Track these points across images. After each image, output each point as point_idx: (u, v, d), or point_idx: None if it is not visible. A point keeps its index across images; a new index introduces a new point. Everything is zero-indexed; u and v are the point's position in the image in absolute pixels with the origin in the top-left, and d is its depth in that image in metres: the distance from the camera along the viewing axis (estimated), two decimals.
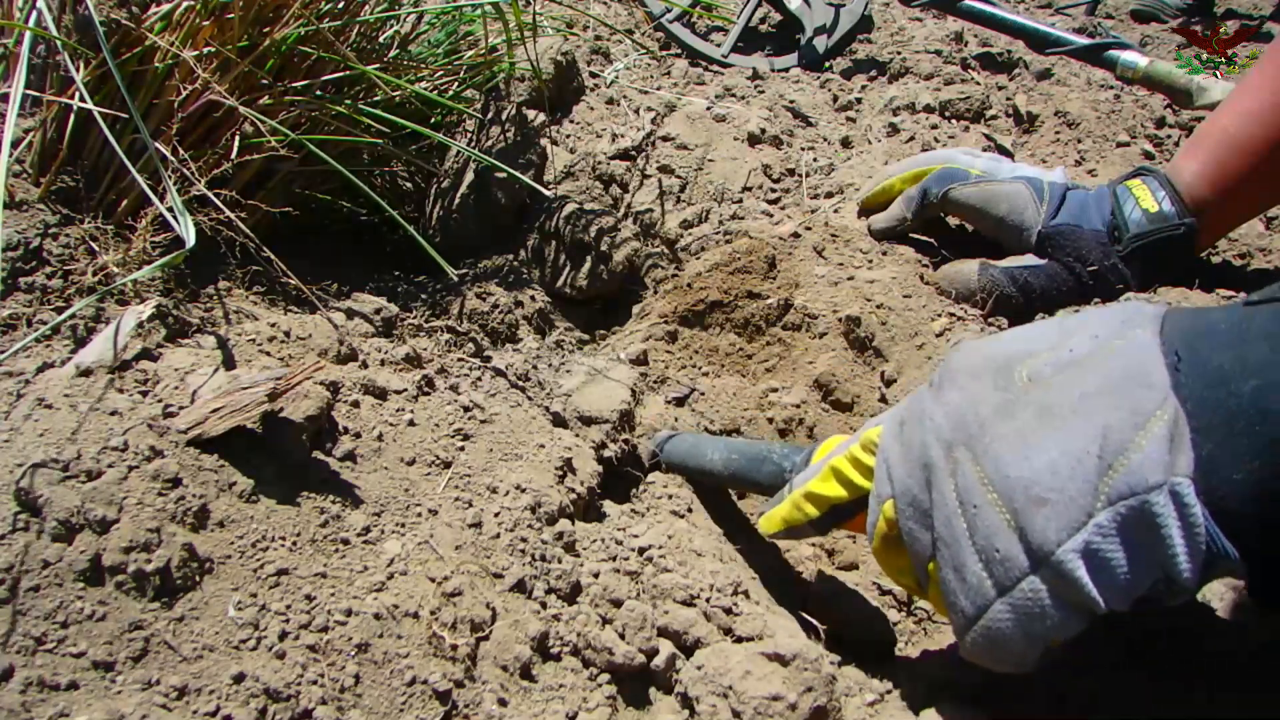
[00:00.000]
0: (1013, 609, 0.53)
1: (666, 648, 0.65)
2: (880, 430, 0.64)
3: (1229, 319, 0.52)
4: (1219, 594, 0.71)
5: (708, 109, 1.52)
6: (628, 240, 1.16)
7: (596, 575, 0.68)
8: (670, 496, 0.85)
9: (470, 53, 1.29)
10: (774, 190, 1.40)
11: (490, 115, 1.26)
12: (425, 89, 1.17)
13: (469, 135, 1.28)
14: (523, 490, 0.71)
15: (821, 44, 1.95)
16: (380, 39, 1.14)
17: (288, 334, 0.79)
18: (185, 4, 0.84)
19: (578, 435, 0.84)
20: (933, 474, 0.57)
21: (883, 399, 1.05)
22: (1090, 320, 0.57)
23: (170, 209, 0.73)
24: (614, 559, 0.71)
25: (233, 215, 0.79)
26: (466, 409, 0.78)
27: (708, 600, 0.68)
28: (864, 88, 1.82)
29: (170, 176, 0.75)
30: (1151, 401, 0.49)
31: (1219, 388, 0.48)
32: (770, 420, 1.02)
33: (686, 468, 0.86)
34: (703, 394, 1.02)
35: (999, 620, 0.54)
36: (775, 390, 1.04)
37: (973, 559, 0.55)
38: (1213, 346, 0.50)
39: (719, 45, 2.00)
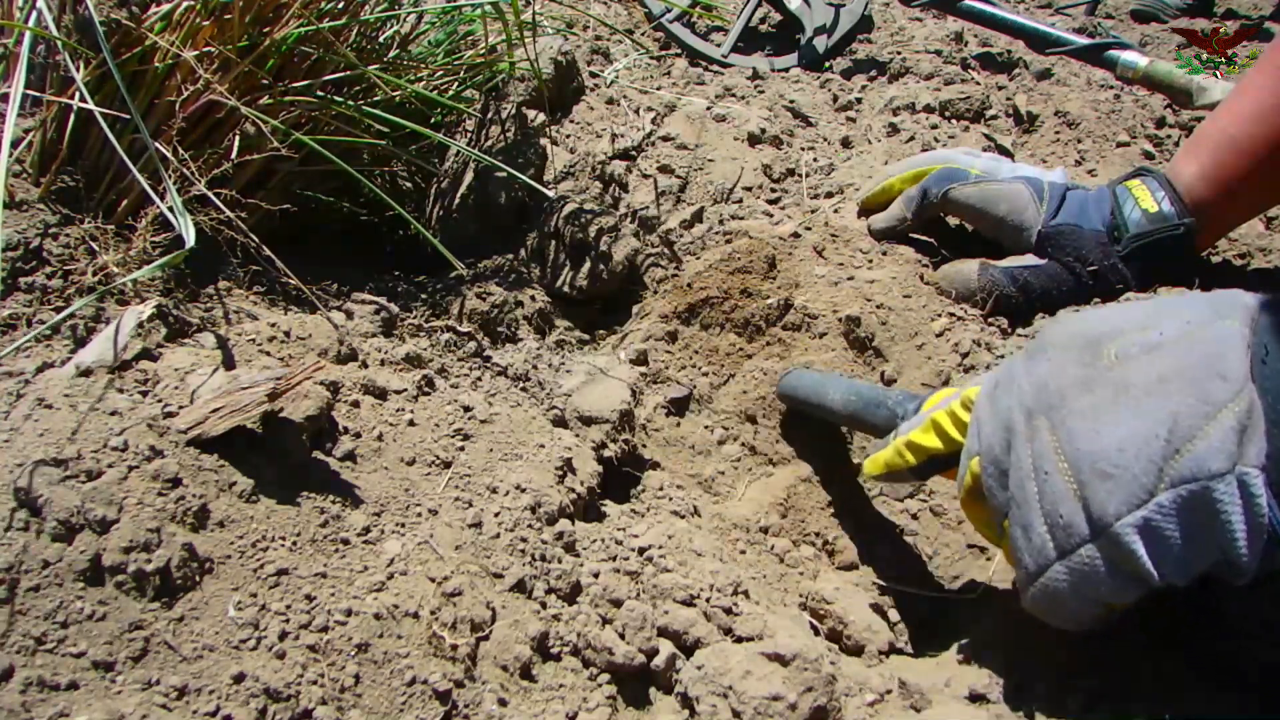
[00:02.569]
0: (1070, 571, 0.57)
1: (666, 648, 0.65)
2: (977, 390, 0.68)
3: None
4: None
5: (708, 109, 1.52)
6: (627, 240, 1.16)
7: (596, 575, 0.68)
8: (670, 497, 0.85)
9: (470, 53, 1.29)
10: (774, 190, 1.40)
11: (490, 115, 1.26)
12: (425, 89, 1.17)
13: (469, 135, 1.28)
14: (523, 490, 0.71)
15: (821, 44, 1.95)
16: (380, 39, 1.14)
17: (288, 334, 0.79)
18: (185, 4, 0.84)
19: (578, 435, 0.84)
20: (1014, 437, 0.61)
21: None
22: (1185, 305, 0.59)
23: (170, 208, 0.73)
24: (614, 559, 0.71)
25: (233, 215, 0.79)
26: (466, 409, 0.78)
27: (708, 600, 0.68)
28: (864, 88, 1.82)
29: (170, 176, 0.75)
30: (1225, 393, 0.52)
31: None
32: None
33: (807, 403, 0.92)
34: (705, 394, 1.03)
35: (1057, 580, 0.58)
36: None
37: (1039, 521, 0.58)
38: None
39: (719, 45, 1.99)
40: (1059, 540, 0.57)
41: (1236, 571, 0.52)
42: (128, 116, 0.77)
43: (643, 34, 2.09)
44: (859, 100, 1.74)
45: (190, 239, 0.70)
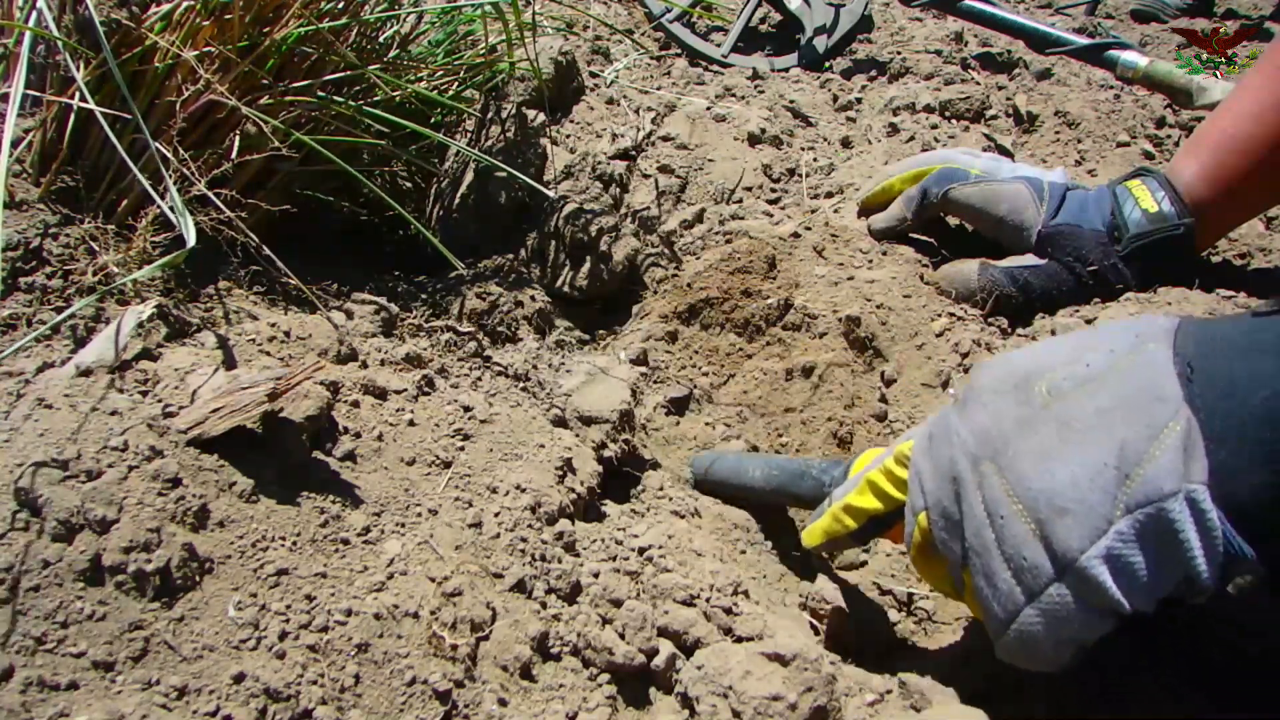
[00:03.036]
0: (1041, 614, 0.56)
1: (666, 648, 0.65)
2: (911, 444, 0.67)
3: (1239, 330, 0.54)
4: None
5: (708, 109, 1.52)
6: (627, 240, 1.16)
7: (596, 575, 0.68)
8: (670, 498, 0.85)
9: (470, 53, 1.29)
10: (774, 190, 1.40)
11: (490, 115, 1.26)
12: (425, 89, 1.17)
13: (469, 135, 1.28)
14: (523, 490, 0.71)
15: (821, 44, 1.95)
16: (380, 39, 1.14)
17: (288, 334, 0.79)
18: (185, 4, 0.84)
19: (578, 435, 0.84)
20: (961, 487, 0.60)
21: (883, 399, 1.05)
22: (1105, 335, 0.60)
23: (171, 208, 0.73)
24: (614, 559, 0.71)
25: (233, 215, 0.79)
26: (467, 409, 0.78)
27: (708, 600, 0.68)
28: (864, 88, 1.82)
29: (171, 176, 0.75)
30: (1165, 414, 0.52)
31: (1231, 398, 0.51)
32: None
33: (729, 485, 0.89)
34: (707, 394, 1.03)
35: (1030, 625, 0.57)
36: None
37: (1002, 567, 0.58)
38: (1224, 357, 0.53)
39: (719, 45, 1.99)
40: (1026, 583, 0.56)
41: (1197, 590, 0.52)
42: (128, 116, 0.77)
43: (643, 34, 2.09)
44: (859, 100, 1.74)
45: (191, 239, 0.70)
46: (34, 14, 0.78)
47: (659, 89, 1.69)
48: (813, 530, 0.77)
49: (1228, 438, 0.50)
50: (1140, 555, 0.52)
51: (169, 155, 0.78)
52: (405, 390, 0.77)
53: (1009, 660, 0.61)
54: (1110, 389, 0.56)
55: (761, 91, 1.72)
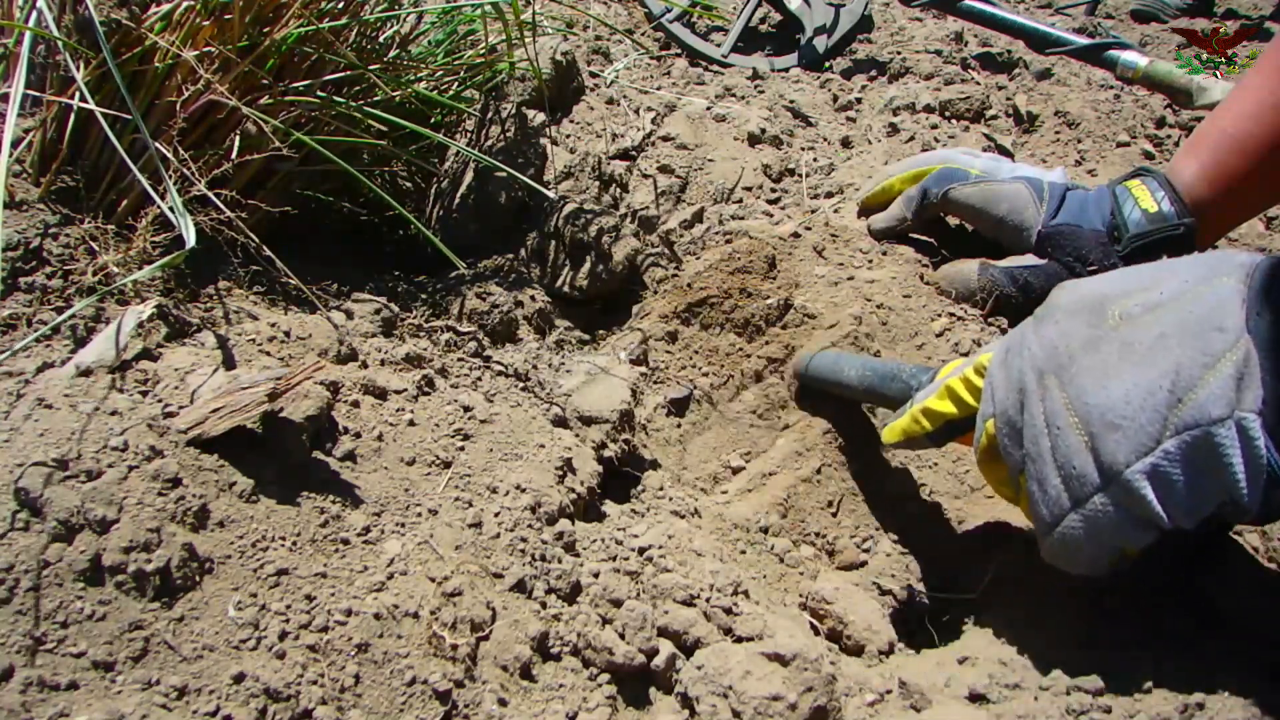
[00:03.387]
0: (1084, 520, 0.60)
1: (666, 648, 0.65)
2: (990, 356, 0.71)
3: None
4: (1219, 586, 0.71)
5: (708, 109, 1.52)
6: (627, 240, 1.16)
7: (596, 575, 0.68)
8: (670, 498, 0.85)
9: (470, 53, 1.29)
10: (774, 190, 1.40)
11: (490, 115, 1.26)
12: (425, 89, 1.17)
13: (469, 135, 1.28)
14: (523, 490, 0.71)
15: (821, 44, 1.95)
16: (380, 39, 1.14)
17: (288, 334, 0.79)
18: (185, 4, 0.84)
19: (578, 435, 0.84)
20: (1026, 398, 0.64)
21: None
22: (1184, 266, 0.63)
23: (171, 209, 0.73)
24: (614, 559, 0.71)
25: (233, 215, 0.79)
26: (467, 409, 0.78)
27: (708, 600, 0.68)
28: (864, 88, 1.82)
29: (171, 176, 0.75)
30: (1222, 344, 0.55)
31: None
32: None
33: (826, 382, 0.95)
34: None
35: (1073, 528, 0.61)
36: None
37: (1053, 474, 0.62)
38: None
39: (719, 45, 1.99)
40: (1073, 490, 0.60)
41: (1240, 511, 0.55)
42: (128, 116, 0.77)
43: (643, 34, 2.09)
44: (859, 100, 1.74)
45: (191, 239, 0.70)
46: (34, 14, 0.78)
47: (659, 89, 1.68)
48: (893, 428, 0.81)
49: None
50: (1183, 474, 0.55)
51: (169, 155, 0.78)
52: (405, 390, 0.77)
53: (1051, 561, 0.65)
54: (1175, 316, 0.58)
55: (761, 91, 1.72)
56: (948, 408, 0.75)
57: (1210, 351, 0.55)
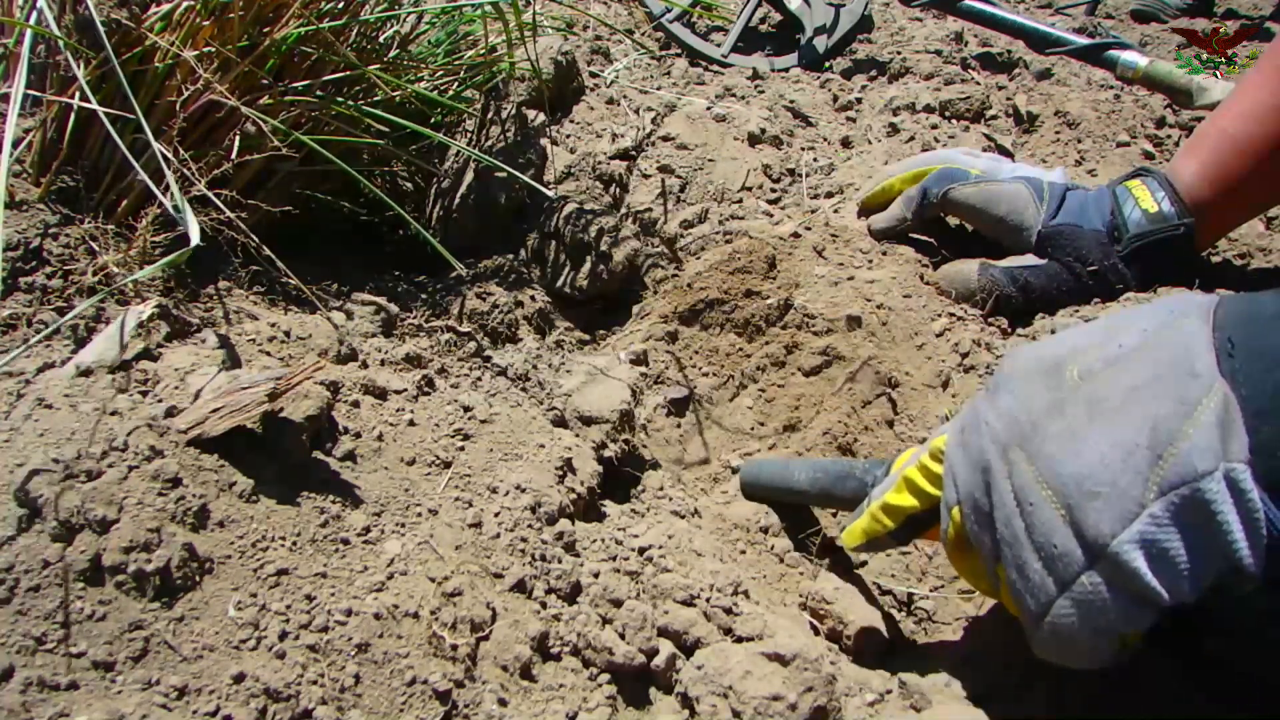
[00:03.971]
0: (1075, 604, 0.54)
1: (666, 648, 0.65)
2: (944, 439, 0.65)
3: None
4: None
5: (708, 109, 1.52)
6: (628, 240, 1.16)
7: (596, 575, 0.68)
8: (670, 498, 0.85)
9: (470, 53, 1.29)
10: (774, 190, 1.40)
11: (490, 115, 1.26)
12: (425, 89, 1.17)
13: (469, 135, 1.28)
14: (523, 490, 0.71)
15: (821, 44, 1.95)
16: (380, 39, 1.14)
17: (288, 334, 0.79)
18: (185, 4, 0.84)
19: (578, 435, 0.84)
20: (991, 476, 0.58)
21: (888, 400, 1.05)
22: (1140, 315, 0.58)
23: (174, 207, 0.73)
24: (614, 559, 0.71)
25: (233, 215, 0.79)
26: (466, 409, 0.78)
27: (708, 600, 0.68)
28: (864, 88, 1.82)
29: (173, 175, 0.75)
30: (1198, 389, 0.50)
31: (1275, 370, 0.49)
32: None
33: (773, 489, 0.88)
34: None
35: (1063, 617, 0.54)
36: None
37: (1032, 557, 0.55)
38: (1266, 329, 0.50)
39: (719, 45, 1.99)
40: (1057, 573, 0.54)
41: (1243, 577, 0.49)
42: (129, 116, 0.77)
43: (643, 34, 2.09)
44: (859, 100, 1.74)
45: (195, 237, 0.70)
46: (34, 13, 0.78)
47: (659, 89, 1.69)
48: (852, 530, 0.75)
49: (1271, 413, 0.48)
50: (1178, 539, 0.50)
51: (170, 155, 0.78)
52: (405, 390, 0.77)
53: (1046, 657, 0.58)
54: (1141, 366, 0.53)
55: (761, 91, 1.72)
56: (908, 501, 0.69)
57: (1187, 400, 0.50)
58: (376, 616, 0.58)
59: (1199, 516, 0.49)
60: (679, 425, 1.01)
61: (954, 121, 1.62)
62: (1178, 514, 0.49)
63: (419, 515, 0.68)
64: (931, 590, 0.88)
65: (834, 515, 0.93)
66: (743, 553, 0.85)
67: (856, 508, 0.76)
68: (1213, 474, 0.48)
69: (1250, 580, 0.49)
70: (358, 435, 0.71)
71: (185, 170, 0.79)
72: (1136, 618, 0.52)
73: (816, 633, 0.78)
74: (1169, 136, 1.55)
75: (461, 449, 0.74)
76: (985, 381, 0.65)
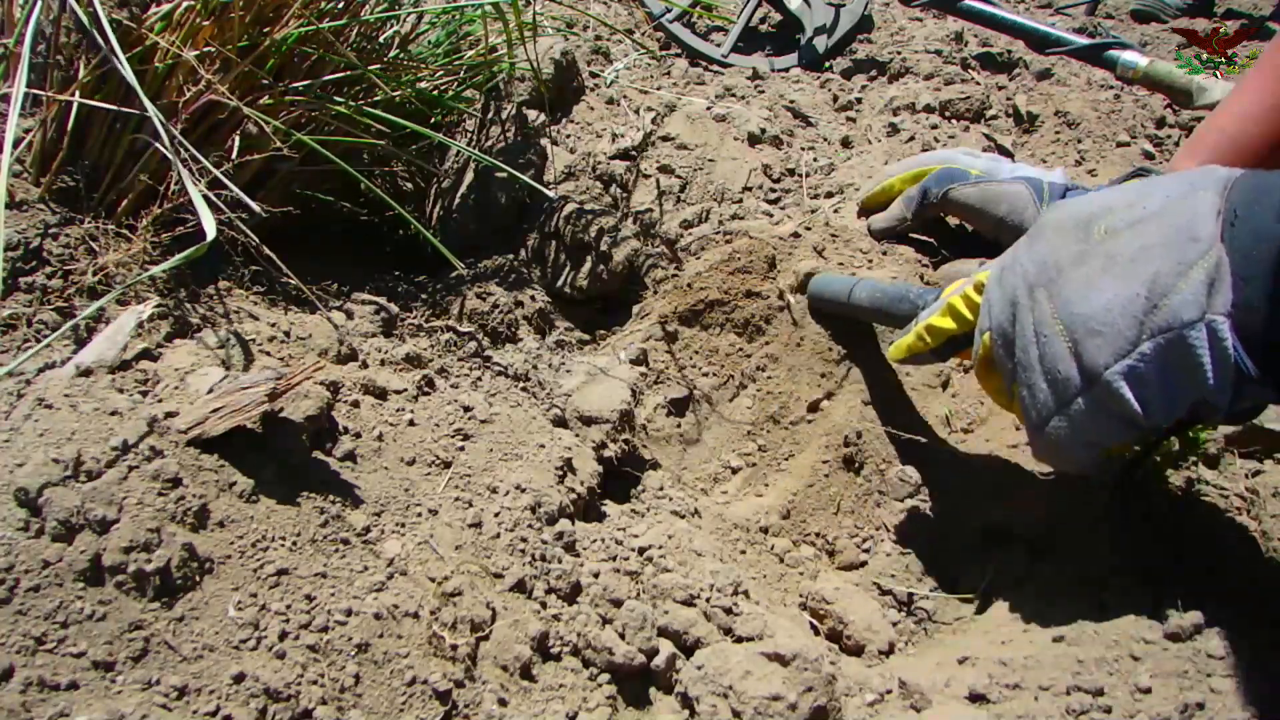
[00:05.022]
0: (1069, 420, 0.65)
1: (666, 648, 0.65)
2: (988, 274, 0.74)
3: None
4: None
5: (708, 109, 1.52)
6: (628, 240, 1.16)
7: (596, 575, 0.68)
8: (670, 498, 0.85)
9: (470, 53, 1.29)
10: (774, 190, 1.40)
11: (490, 115, 1.26)
12: (425, 89, 1.17)
13: (469, 135, 1.28)
14: (523, 490, 0.71)
15: (821, 44, 1.95)
16: (380, 39, 1.14)
17: (288, 334, 0.79)
18: (185, 4, 0.84)
19: (578, 435, 0.84)
20: (1018, 310, 0.68)
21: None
22: (1166, 182, 0.67)
23: (186, 203, 0.73)
24: (614, 559, 0.71)
25: (233, 215, 0.79)
26: (467, 409, 0.78)
27: (708, 600, 0.68)
28: (864, 88, 1.82)
29: (184, 170, 0.75)
30: (1196, 252, 0.58)
31: (1263, 240, 0.56)
32: None
33: (835, 302, 0.99)
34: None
35: (1058, 429, 0.66)
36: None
37: (1041, 379, 0.66)
38: (1266, 204, 0.58)
39: (719, 45, 1.99)
40: (1059, 394, 0.64)
41: (1211, 409, 0.59)
42: (130, 114, 0.77)
43: (643, 34, 2.09)
44: (859, 100, 1.74)
45: (211, 231, 0.69)
46: (34, 14, 0.78)
47: (659, 89, 1.68)
48: (899, 345, 0.85)
49: (1255, 276, 0.55)
50: (1159, 374, 0.59)
51: (180, 150, 0.78)
52: (405, 390, 0.77)
53: (1042, 459, 0.71)
54: (1154, 228, 0.62)
55: (761, 91, 1.72)
56: (949, 324, 0.78)
57: (1184, 260, 0.58)
58: (376, 616, 0.58)
59: (1180, 357, 0.58)
60: (679, 425, 1.01)
61: (954, 121, 1.62)
62: (1162, 353, 0.59)
63: (419, 515, 0.68)
64: (931, 590, 0.88)
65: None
66: (743, 553, 0.85)
67: (906, 326, 0.85)
68: (1196, 323, 0.57)
69: (1218, 412, 0.59)
70: (358, 435, 0.71)
71: (187, 170, 0.79)
72: (1117, 434, 0.64)
73: (816, 633, 0.78)
74: (1169, 136, 1.55)
75: (461, 449, 0.74)
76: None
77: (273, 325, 0.79)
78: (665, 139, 1.45)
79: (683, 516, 0.82)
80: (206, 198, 0.79)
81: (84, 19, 0.77)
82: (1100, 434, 0.64)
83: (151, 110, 0.74)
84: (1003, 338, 0.70)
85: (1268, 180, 0.60)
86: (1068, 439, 0.66)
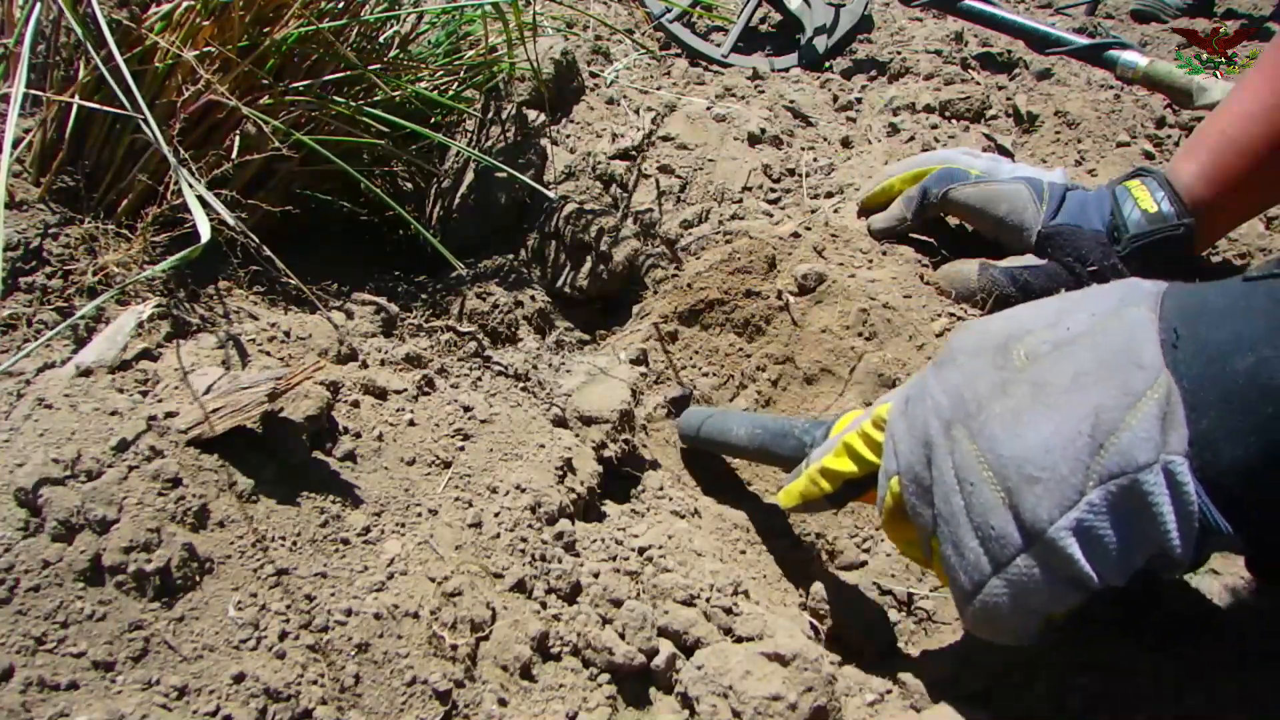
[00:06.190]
0: (1008, 584, 0.54)
1: (666, 648, 0.65)
2: (889, 407, 0.65)
3: (1227, 295, 0.52)
4: (1219, 589, 0.71)
5: (708, 109, 1.52)
6: (628, 240, 1.16)
7: (596, 575, 0.68)
8: (670, 498, 0.85)
9: (470, 53, 1.29)
10: (774, 190, 1.40)
11: (490, 115, 1.26)
12: (425, 89, 1.17)
13: (469, 135, 1.28)
14: (523, 490, 0.71)
15: (821, 44, 1.95)
16: (380, 39, 1.14)
17: (288, 334, 0.79)
18: (185, 4, 0.84)
19: (578, 435, 0.84)
20: (933, 451, 0.58)
21: None
22: (1089, 297, 0.58)
23: (183, 203, 0.73)
24: (614, 559, 0.71)
25: (233, 215, 0.79)
26: (467, 409, 0.78)
27: (708, 600, 0.68)
28: (864, 88, 1.82)
29: (183, 171, 0.75)
30: (1142, 381, 0.50)
31: (1216, 364, 0.49)
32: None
33: (713, 443, 0.89)
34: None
35: (995, 596, 0.55)
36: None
37: (970, 536, 0.56)
38: (1211, 323, 0.51)
39: (719, 45, 1.99)
40: (993, 553, 0.55)
41: (1172, 564, 0.51)
42: (128, 114, 0.77)
43: (643, 34, 2.09)
44: (859, 100, 1.74)
45: (206, 233, 0.69)
46: (34, 14, 0.78)
47: (659, 89, 1.68)
48: (789, 491, 0.75)
49: (1211, 405, 0.49)
50: (1111, 527, 0.51)
51: (179, 151, 0.78)
52: (405, 390, 0.77)
53: (975, 632, 0.59)
54: (1088, 353, 0.54)
55: (761, 91, 1.72)
56: (846, 466, 0.69)
57: (1131, 390, 0.50)
58: (376, 616, 0.58)
59: (1135, 505, 0.50)
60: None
61: (954, 121, 1.62)
62: (1115, 503, 0.50)
63: (419, 515, 0.68)
64: (931, 590, 0.88)
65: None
66: (743, 553, 0.85)
67: (794, 468, 0.76)
68: (1152, 466, 0.49)
69: (1178, 567, 0.50)
70: (358, 435, 0.71)
71: (186, 170, 0.79)
72: (1065, 599, 0.53)
73: (816, 633, 0.78)
74: (1169, 136, 1.55)
75: (461, 449, 0.74)
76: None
77: (273, 325, 0.79)
78: (665, 139, 1.45)
79: (683, 516, 0.82)
80: (204, 198, 0.79)
81: (78, 29, 0.77)
82: (1045, 600, 0.54)
83: (144, 107, 0.74)
84: (915, 484, 0.60)
85: (1200, 293, 0.53)
86: (1006, 607, 0.55)
